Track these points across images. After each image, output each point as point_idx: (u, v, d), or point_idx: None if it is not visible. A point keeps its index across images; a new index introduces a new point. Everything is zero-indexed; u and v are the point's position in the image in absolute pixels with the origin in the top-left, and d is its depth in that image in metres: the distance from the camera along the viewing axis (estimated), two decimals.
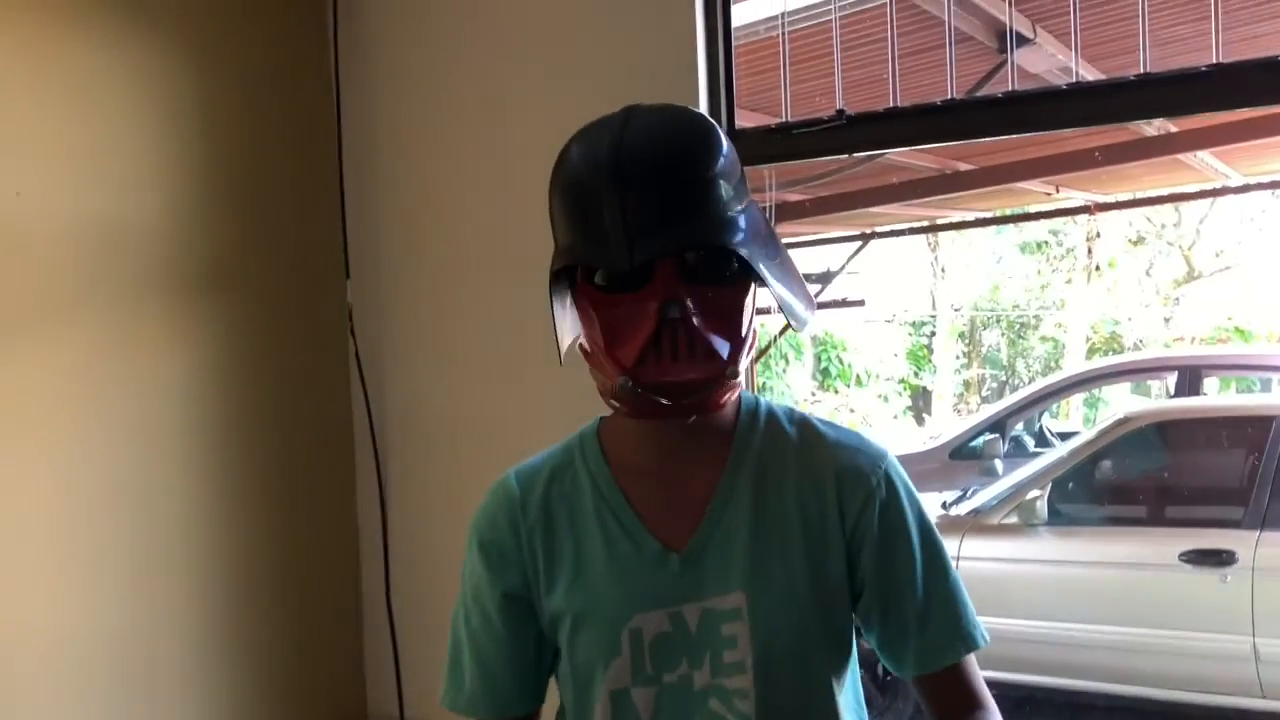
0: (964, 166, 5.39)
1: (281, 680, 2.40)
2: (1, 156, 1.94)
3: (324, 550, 2.52)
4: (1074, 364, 11.03)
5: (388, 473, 2.53)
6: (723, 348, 1.03)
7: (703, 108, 2.10)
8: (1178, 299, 12.02)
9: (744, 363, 1.05)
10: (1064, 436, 6.76)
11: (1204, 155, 5.27)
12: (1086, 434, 5.26)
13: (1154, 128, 4.64)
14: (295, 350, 2.45)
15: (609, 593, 1.11)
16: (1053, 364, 12.35)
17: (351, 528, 2.58)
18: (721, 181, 1.03)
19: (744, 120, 2.27)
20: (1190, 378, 6.60)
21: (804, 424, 1.18)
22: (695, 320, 1.01)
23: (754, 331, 1.09)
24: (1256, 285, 11.29)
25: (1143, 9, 2.07)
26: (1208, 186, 6.80)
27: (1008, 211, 8.47)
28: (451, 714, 1.20)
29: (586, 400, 1.13)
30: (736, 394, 1.13)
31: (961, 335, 13.38)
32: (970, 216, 7.94)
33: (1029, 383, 11.44)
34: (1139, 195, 7.82)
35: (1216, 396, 7.36)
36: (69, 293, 2.05)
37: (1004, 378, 13.26)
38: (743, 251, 1.02)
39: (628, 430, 1.15)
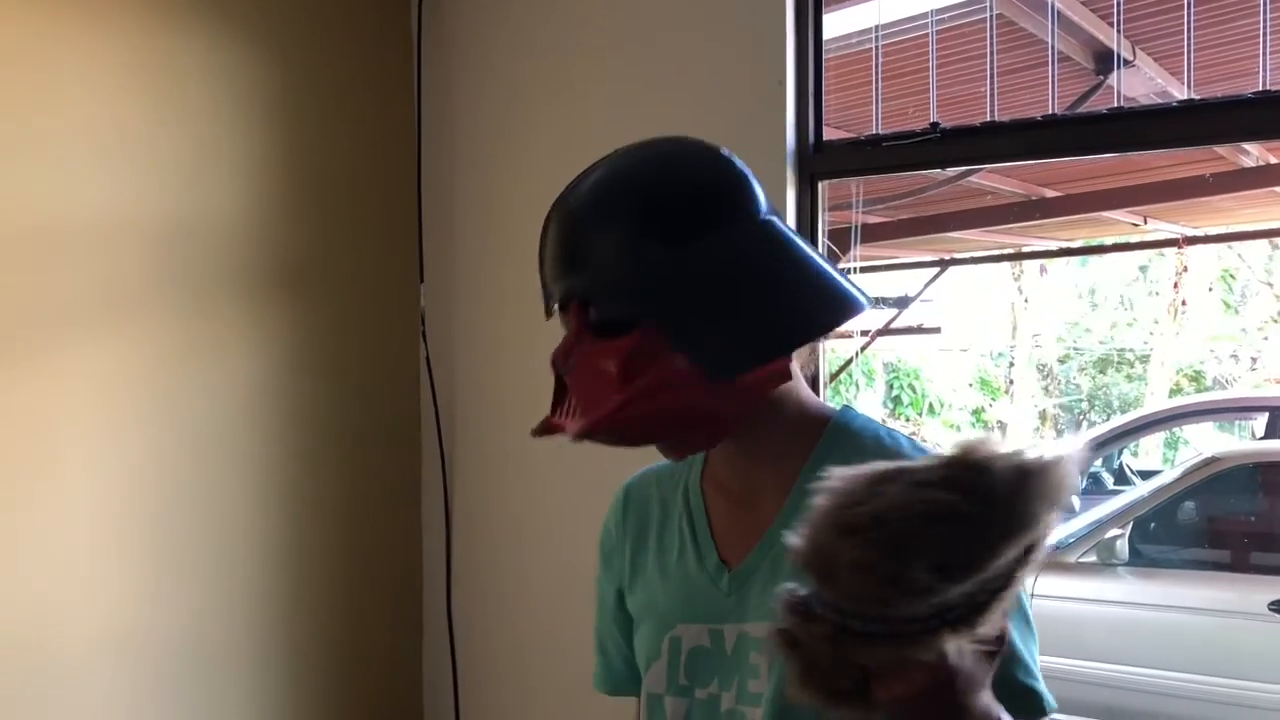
0: (1050, 193, 5.25)
1: (339, 687, 2.38)
2: (83, 150, 1.95)
3: (387, 558, 2.50)
4: (1157, 401, 10.72)
5: (454, 481, 2.50)
6: (602, 403, 0.99)
7: (790, 121, 2.05)
8: (1267, 337, 11.63)
9: (626, 400, 0.98)
10: (1145, 475, 6.55)
11: None
12: (1171, 473, 5.08)
13: (1251, 158, 4.48)
14: (366, 353, 2.44)
15: (663, 597, 1.12)
16: (1135, 400, 12.02)
17: (416, 535, 2.55)
18: (643, 223, 1.00)
19: (832, 135, 2.22)
20: None
21: (889, 442, 1.06)
22: (572, 378, 1.03)
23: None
24: None
25: (1265, 26, 1.97)
26: None
27: (1092, 242, 8.26)
28: None
29: None
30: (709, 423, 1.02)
31: (1041, 367, 13.10)
32: (1053, 246, 7.75)
33: (1108, 419, 11.14)
34: (1231, 229, 7.58)
35: None
36: (144, 288, 2.05)
37: (1082, 412, 12.95)
38: (615, 304, 1.00)
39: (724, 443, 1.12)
